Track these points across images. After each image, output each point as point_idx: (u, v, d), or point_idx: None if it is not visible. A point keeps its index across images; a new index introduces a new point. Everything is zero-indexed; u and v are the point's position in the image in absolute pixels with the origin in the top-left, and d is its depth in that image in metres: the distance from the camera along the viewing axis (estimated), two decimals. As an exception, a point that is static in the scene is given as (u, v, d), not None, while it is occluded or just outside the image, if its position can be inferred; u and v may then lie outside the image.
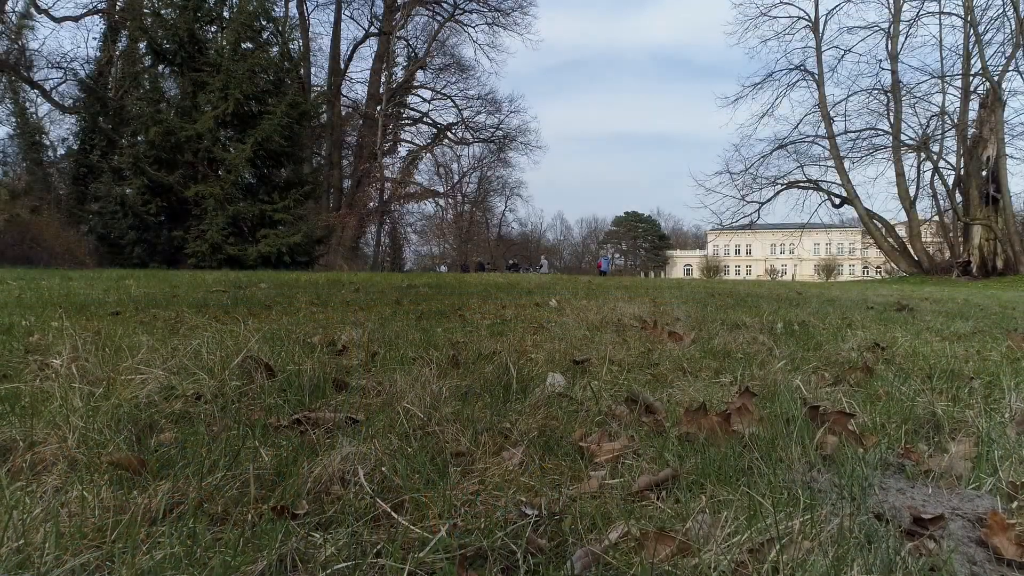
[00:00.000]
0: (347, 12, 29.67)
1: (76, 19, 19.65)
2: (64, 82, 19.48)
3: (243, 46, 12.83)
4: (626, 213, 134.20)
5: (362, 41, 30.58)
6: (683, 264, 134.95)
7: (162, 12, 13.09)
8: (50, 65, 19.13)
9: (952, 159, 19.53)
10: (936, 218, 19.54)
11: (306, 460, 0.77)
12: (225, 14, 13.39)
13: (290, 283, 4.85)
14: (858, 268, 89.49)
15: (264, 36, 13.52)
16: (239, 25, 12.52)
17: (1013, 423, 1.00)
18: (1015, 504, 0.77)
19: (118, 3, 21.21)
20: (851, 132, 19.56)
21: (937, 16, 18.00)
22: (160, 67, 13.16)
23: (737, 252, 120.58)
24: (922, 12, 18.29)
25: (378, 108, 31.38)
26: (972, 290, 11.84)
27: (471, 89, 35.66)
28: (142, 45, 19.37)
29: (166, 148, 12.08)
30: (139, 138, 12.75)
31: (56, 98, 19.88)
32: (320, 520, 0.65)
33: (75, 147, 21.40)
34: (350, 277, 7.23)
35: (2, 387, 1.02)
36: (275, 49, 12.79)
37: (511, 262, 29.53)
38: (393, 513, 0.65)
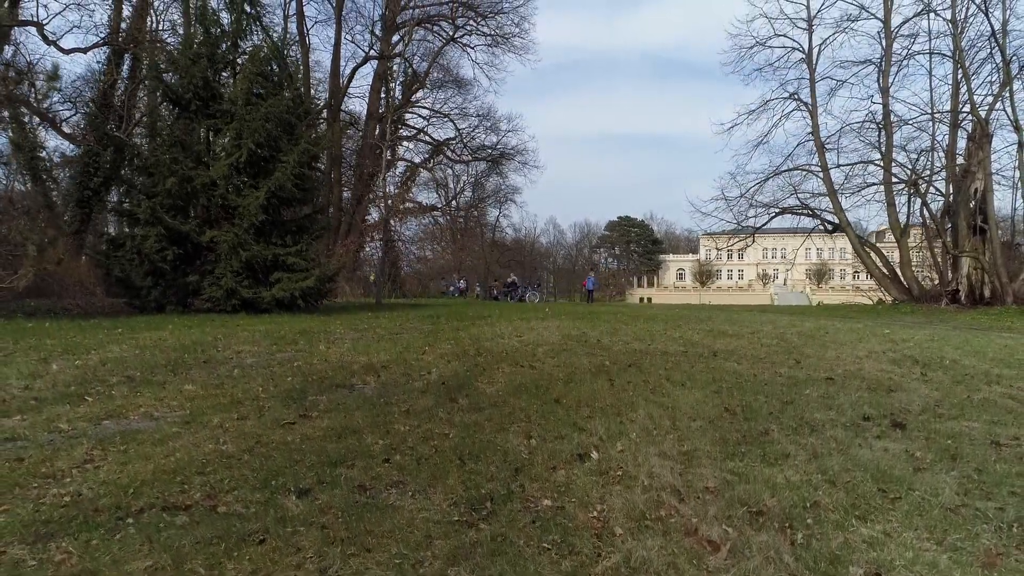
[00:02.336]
0: (347, 36, 30.05)
1: (85, 51, 19.84)
2: (75, 115, 19.71)
3: (256, 91, 13.14)
4: (619, 218, 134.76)
5: (362, 63, 30.94)
6: (676, 268, 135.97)
7: (177, 60, 13.41)
8: (63, 100, 19.39)
9: (941, 184, 20.16)
10: (926, 245, 20.07)
11: None
12: (239, 60, 13.74)
13: (338, 381, 5.20)
14: (849, 272, 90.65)
15: (276, 79, 13.83)
16: (251, 73, 12.85)
17: None
18: None
19: (121, 30, 21.51)
20: (844, 165, 20.20)
21: (927, 53, 18.59)
22: (175, 112, 13.48)
23: (730, 256, 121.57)
24: (912, 52, 18.88)
25: (376, 129, 31.71)
26: (960, 331, 12.30)
27: (469, 105, 36.18)
28: (142, 65, 19.58)
29: (182, 195, 12.40)
30: (142, 178, 13.05)
31: (66, 129, 20.12)
32: None
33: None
34: (379, 356, 7.58)
35: None
36: (287, 94, 13.08)
37: (510, 280, 29.92)
38: None
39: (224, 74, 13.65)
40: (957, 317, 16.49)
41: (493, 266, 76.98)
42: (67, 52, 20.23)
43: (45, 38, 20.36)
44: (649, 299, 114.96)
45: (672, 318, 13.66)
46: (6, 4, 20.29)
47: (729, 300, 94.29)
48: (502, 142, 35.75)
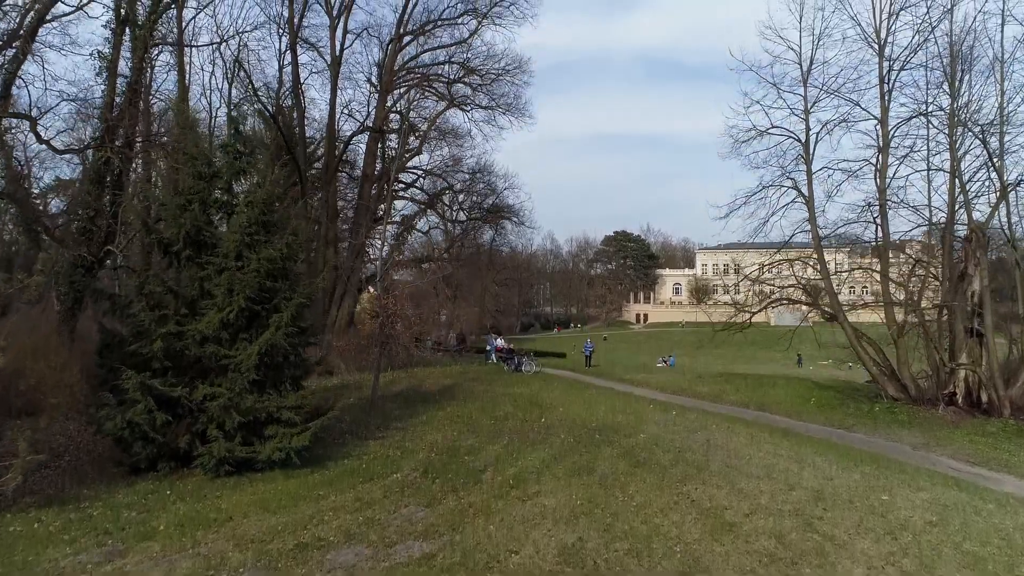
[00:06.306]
0: (344, 111, 29.87)
1: (79, 151, 19.71)
2: (70, 221, 19.52)
3: (248, 238, 12.96)
4: (615, 233, 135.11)
5: (359, 131, 30.79)
6: (672, 283, 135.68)
7: (167, 203, 13.26)
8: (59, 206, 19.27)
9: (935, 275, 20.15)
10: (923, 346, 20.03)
11: None
12: (234, 202, 13.57)
13: None
14: (845, 290, 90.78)
15: (274, 217, 13.63)
16: (243, 225, 12.68)
17: None
18: None
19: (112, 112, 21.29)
20: (841, 272, 20.18)
21: (925, 167, 18.55)
22: (164, 259, 13.31)
23: (725, 271, 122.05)
24: (909, 153, 18.85)
25: (373, 189, 31.56)
26: (960, 493, 12.09)
27: (464, 153, 36.09)
28: (134, 171, 19.36)
29: (171, 354, 12.25)
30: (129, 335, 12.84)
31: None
32: None
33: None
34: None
35: None
36: (284, 242, 12.92)
37: (508, 348, 29.81)
38: None
39: (217, 217, 13.48)
40: (954, 437, 16.39)
41: (490, 285, 76.71)
42: (60, 152, 20.09)
43: (38, 136, 20.20)
44: (645, 316, 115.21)
45: (670, 450, 13.68)
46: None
47: (725, 317, 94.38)
48: (500, 199, 35.74)
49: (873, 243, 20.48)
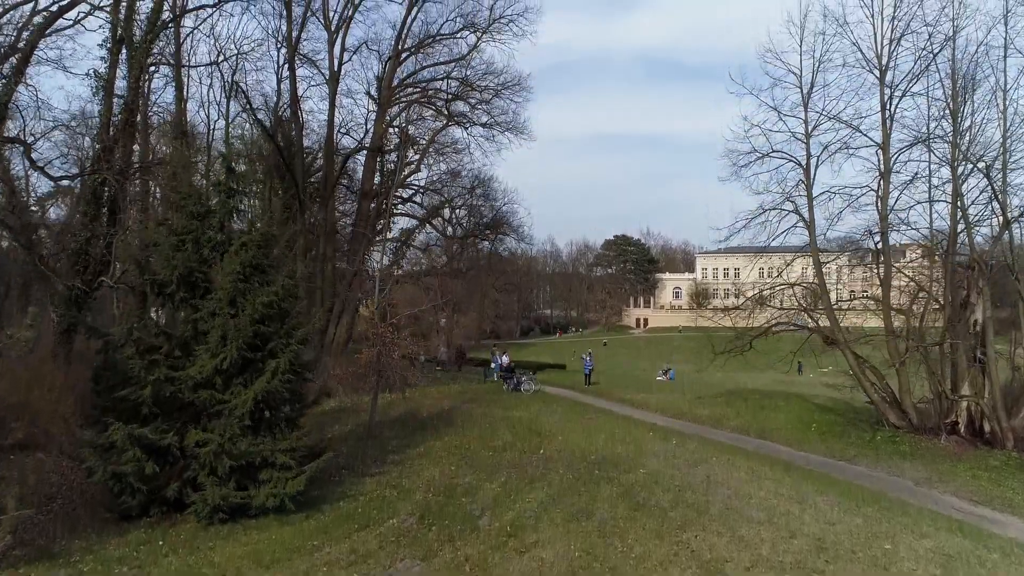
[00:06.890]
0: (341, 129, 29.67)
1: (72, 178, 19.55)
2: (64, 247, 19.26)
3: (241, 281, 12.79)
4: (616, 237, 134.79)
5: (356, 151, 30.58)
6: (672, 287, 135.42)
7: (160, 243, 13.10)
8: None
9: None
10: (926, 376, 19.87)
11: None
12: (230, 240, 13.38)
13: None
14: (845, 293, 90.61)
15: (270, 259, 13.47)
16: (235, 270, 12.50)
17: None
18: None
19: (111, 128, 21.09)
20: (843, 302, 20.04)
21: (928, 195, 18.41)
22: (158, 299, 13.15)
23: (726, 275, 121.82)
24: (912, 179, 18.69)
25: (371, 205, 31.39)
26: (962, 539, 11.89)
27: (463, 168, 35.92)
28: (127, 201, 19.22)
29: (161, 401, 12.09)
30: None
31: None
32: None
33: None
34: None
35: None
36: (280, 283, 12.76)
37: (510, 365, 29.55)
38: None
39: (212, 256, 13.29)
40: (957, 471, 16.19)
41: (490, 291, 76.42)
42: (55, 179, 19.93)
43: (32, 162, 20.04)
44: (645, 320, 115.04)
45: (671, 489, 13.50)
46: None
47: (727, 322, 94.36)
48: (498, 214, 35.60)
49: (875, 266, 20.31)
